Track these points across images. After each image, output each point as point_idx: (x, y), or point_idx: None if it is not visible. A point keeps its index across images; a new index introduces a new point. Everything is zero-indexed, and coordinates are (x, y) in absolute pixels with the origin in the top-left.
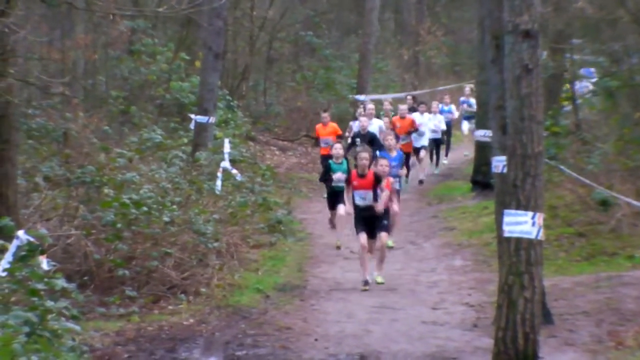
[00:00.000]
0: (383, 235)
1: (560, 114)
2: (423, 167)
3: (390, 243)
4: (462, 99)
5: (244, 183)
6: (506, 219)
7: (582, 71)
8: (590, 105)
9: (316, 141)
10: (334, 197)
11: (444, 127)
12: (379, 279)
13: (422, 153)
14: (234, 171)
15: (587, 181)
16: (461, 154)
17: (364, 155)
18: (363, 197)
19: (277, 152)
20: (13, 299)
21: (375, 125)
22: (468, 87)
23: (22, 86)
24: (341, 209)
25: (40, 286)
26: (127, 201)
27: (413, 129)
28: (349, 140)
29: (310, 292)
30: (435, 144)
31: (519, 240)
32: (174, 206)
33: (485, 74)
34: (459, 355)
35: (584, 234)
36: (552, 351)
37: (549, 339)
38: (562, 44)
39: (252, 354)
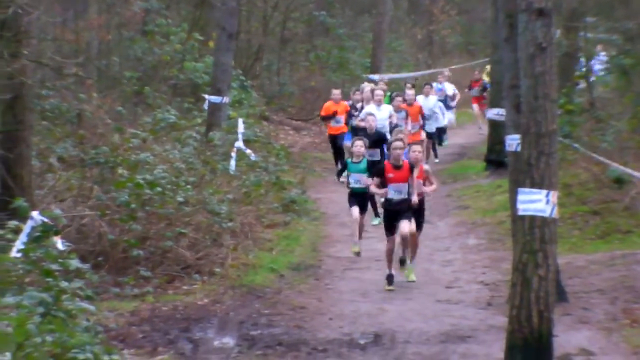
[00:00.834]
0: (411, 222)
1: (574, 92)
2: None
3: (412, 277)
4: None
5: (258, 163)
6: (520, 197)
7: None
8: (605, 84)
9: (323, 119)
10: (354, 198)
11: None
12: (412, 277)
13: (423, 135)
14: (248, 151)
15: (602, 159)
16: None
17: (398, 144)
18: (399, 191)
19: (290, 132)
20: (27, 279)
21: (385, 111)
22: (446, 71)
23: (35, 67)
24: (355, 211)
25: (54, 267)
26: (141, 181)
27: (422, 115)
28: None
29: (325, 271)
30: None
31: (533, 218)
32: (188, 186)
33: (498, 53)
34: (473, 334)
35: (598, 212)
36: (567, 329)
37: (564, 317)
38: (575, 22)
39: (267, 333)
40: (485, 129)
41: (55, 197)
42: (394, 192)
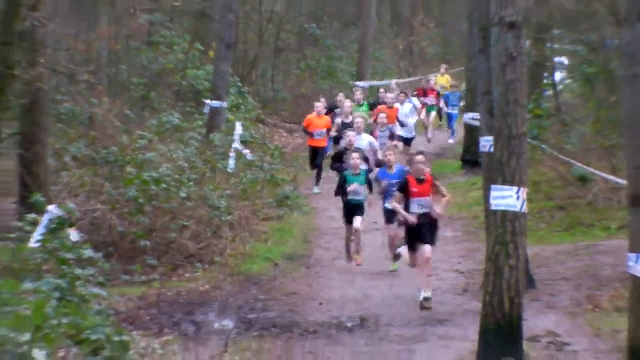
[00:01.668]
0: (427, 248)
1: (542, 98)
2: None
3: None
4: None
5: (254, 162)
6: (493, 193)
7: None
8: (570, 90)
9: (305, 131)
10: (350, 211)
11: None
12: (426, 293)
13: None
14: (245, 151)
15: (567, 159)
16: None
17: (420, 158)
18: (422, 204)
19: (284, 134)
20: (45, 267)
21: (365, 140)
22: (393, 82)
23: (51, 74)
24: (357, 221)
25: (69, 256)
26: (148, 178)
27: (397, 119)
28: (333, 150)
29: (315, 260)
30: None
31: (504, 212)
32: (190, 183)
33: (473, 62)
34: (450, 317)
35: (563, 207)
36: (535, 313)
37: (532, 302)
38: (543, 34)
39: (262, 316)
40: (431, 136)
41: (70, 192)
42: (417, 206)
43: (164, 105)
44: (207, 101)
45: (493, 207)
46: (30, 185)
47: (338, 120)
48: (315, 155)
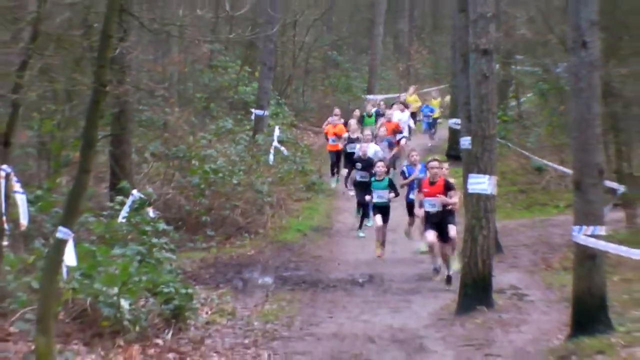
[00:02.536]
0: (451, 227)
1: (508, 108)
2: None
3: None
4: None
5: (289, 156)
6: (470, 180)
7: None
8: (529, 102)
9: (325, 137)
10: (377, 210)
11: (412, 124)
12: (455, 266)
13: (403, 141)
14: (282, 148)
15: (527, 154)
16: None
17: (435, 164)
18: (433, 204)
19: (312, 135)
20: (129, 237)
21: (372, 150)
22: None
23: (134, 90)
24: (379, 219)
25: (147, 228)
26: (208, 169)
27: (398, 130)
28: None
29: (335, 232)
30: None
31: (479, 195)
32: (240, 172)
33: (456, 80)
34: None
35: (524, 191)
36: (502, 272)
37: (500, 263)
38: (509, 59)
39: (294, 274)
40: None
41: (148, 180)
42: (429, 205)
43: (220, 114)
44: (253, 110)
45: (470, 191)
46: (119, 174)
47: (346, 135)
48: (333, 158)
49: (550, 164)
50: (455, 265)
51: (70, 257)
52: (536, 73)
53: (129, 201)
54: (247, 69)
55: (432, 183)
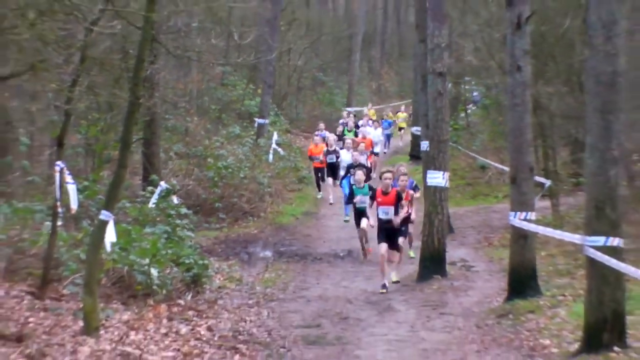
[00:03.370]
0: (400, 239)
1: (458, 118)
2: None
3: (411, 254)
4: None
5: (285, 156)
6: (428, 175)
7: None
8: (475, 114)
9: (310, 158)
10: (359, 215)
11: (382, 138)
12: (394, 278)
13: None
14: (279, 149)
15: (473, 155)
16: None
17: (388, 175)
18: (386, 212)
19: (303, 139)
20: (158, 219)
21: (349, 157)
22: (346, 112)
23: (162, 103)
24: (364, 222)
25: (172, 212)
26: (220, 165)
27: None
28: (343, 165)
29: (321, 216)
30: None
31: (435, 187)
32: (246, 168)
33: (417, 97)
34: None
35: (470, 184)
36: (453, 248)
37: (451, 241)
38: (459, 80)
39: (289, 249)
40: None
41: (173, 174)
42: (382, 212)
43: (230, 122)
44: (256, 119)
45: (428, 184)
46: (149, 169)
47: (325, 149)
48: (317, 175)
49: (491, 163)
50: (394, 277)
51: (110, 235)
52: (481, 91)
53: (157, 191)
54: (252, 86)
55: (385, 193)
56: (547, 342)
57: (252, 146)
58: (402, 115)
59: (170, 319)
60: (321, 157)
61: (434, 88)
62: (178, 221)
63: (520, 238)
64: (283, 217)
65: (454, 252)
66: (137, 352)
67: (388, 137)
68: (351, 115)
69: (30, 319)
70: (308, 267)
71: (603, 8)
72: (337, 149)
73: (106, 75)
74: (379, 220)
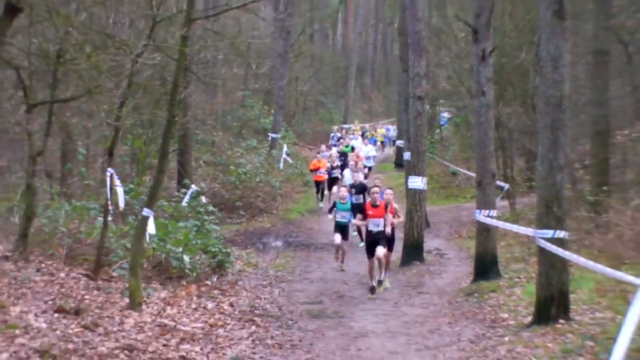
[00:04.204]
0: (379, 248)
1: (434, 134)
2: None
3: (387, 283)
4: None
5: (293, 164)
6: (409, 180)
7: (441, 115)
8: (448, 130)
9: (311, 172)
10: (340, 230)
11: (374, 153)
12: (387, 284)
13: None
14: (288, 159)
15: (446, 163)
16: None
17: (375, 189)
18: (377, 224)
19: (307, 150)
20: (189, 215)
21: (348, 175)
22: (336, 128)
23: (193, 121)
24: (337, 238)
25: (201, 209)
26: (240, 172)
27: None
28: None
29: (322, 213)
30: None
31: (415, 190)
32: (261, 174)
33: (400, 116)
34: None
35: (444, 187)
36: (429, 239)
37: (428, 234)
38: (435, 102)
39: (296, 240)
40: None
41: (202, 178)
42: (373, 225)
43: (248, 136)
44: (270, 134)
45: (409, 187)
46: (183, 174)
47: (328, 164)
48: (318, 187)
49: (461, 170)
50: (386, 284)
51: (151, 228)
52: (453, 112)
53: (189, 192)
54: (266, 107)
55: (374, 206)
56: (506, 315)
57: (266, 156)
58: (381, 131)
59: (199, 297)
60: (323, 171)
61: (414, 109)
62: (206, 217)
63: (484, 231)
64: (291, 214)
65: (430, 243)
66: (172, 323)
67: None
68: (343, 130)
69: (86, 296)
70: (311, 255)
71: (551, 44)
72: (339, 163)
73: (148, 98)
74: (369, 232)
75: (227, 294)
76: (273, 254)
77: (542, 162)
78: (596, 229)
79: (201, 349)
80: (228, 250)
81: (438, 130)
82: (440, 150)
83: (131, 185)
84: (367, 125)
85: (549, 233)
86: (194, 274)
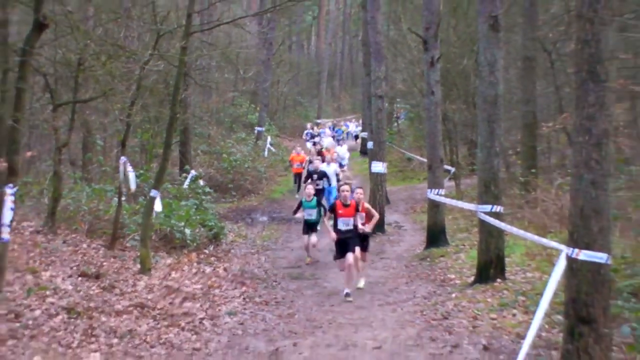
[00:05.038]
0: (357, 250)
1: (393, 126)
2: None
3: (361, 283)
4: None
5: (275, 152)
6: (373, 165)
7: (401, 112)
8: (404, 123)
9: (290, 164)
10: (307, 227)
11: (347, 155)
12: (361, 284)
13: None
14: (272, 148)
15: (403, 151)
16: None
17: (346, 188)
18: (346, 223)
19: (287, 141)
20: (189, 195)
21: (332, 169)
22: (309, 125)
23: (192, 117)
24: (314, 238)
25: (199, 191)
26: (232, 159)
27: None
28: (306, 171)
29: (300, 193)
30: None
31: (377, 173)
32: (249, 161)
33: (365, 112)
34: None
35: (401, 171)
36: (389, 214)
37: (388, 209)
38: (393, 101)
39: (278, 215)
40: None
41: (200, 165)
42: (342, 224)
43: (238, 129)
44: (256, 128)
45: (373, 171)
46: (184, 162)
47: (307, 159)
48: (295, 177)
49: (415, 156)
50: (361, 283)
51: (158, 206)
52: (407, 108)
53: (189, 176)
54: (253, 105)
55: (345, 205)
56: (453, 276)
57: (253, 146)
58: (342, 128)
59: (198, 263)
60: (304, 164)
61: (375, 106)
62: (203, 197)
63: (434, 207)
64: (274, 194)
65: (389, 217)
66: (176, 285)
67: (339, 141)
68: (314, 127)
69: (104, 263)
70: (292, 228)
71: (488, 52)
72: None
73: (154, 98)
74: (339, 231)
75: (222, 260)
76: (260, 227)
77: (481, 150)
78: (526, 204)
79: (200, 306)
80: (222, 224)
81: (396, 124)
82: (398, 140)
83: (141, 171)
84: (332, 121)
85: (488, 208)
86: (194, 244)
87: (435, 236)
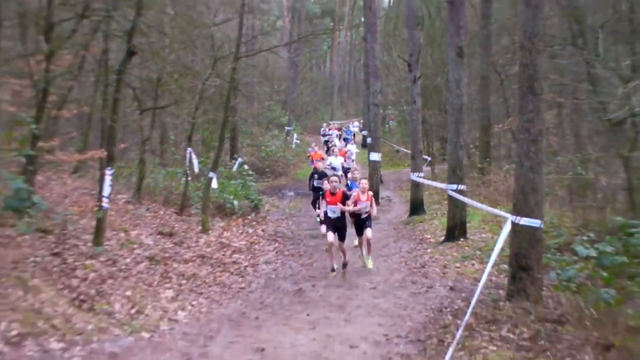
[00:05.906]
0: (368, 230)
1: (385, 127)
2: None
3: (369, 264)
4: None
5: (300, 145)
6: (370, 155)
7: (391, 117)
8: (393, 125)
9: (310, 160)
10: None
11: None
12: (369, 265)
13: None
14: (298, 142)
15: (393, 145)
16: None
17: (334, 178)
18: (334, 211)
19: (309, 137)
20: (237, 177)
21: (339, 159)
22: (325, 125)
23: (240, 119)
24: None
25: (244, 173)
26: (268, 150)
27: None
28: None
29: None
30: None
31: (374, 161)
32: (281, 151)
33: (365, 116)
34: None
35: (391, 159)
36: (383, 191)
37: (382, 187)
38: (386, 108)
39: (302, 191)
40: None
41: (245, 154)
42: (330, 211)
43: (273, 129)
44: (286, 127)
45: (370, 159)
46: (233, 152)
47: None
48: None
49: (401, 149)
50: (370, 264)
51: (214, 184)
52: (396, 114)
53: (237, 162)
54: (283, 110)
55: (333, 194)
56: (429, 236)
57: (283, 141)
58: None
59: (243, 226)
60: (318, 161)
61: (373, 112)
62: (247, 177)
63: (415, 186)
64: (299, 175)
65: (383, 193)
66: (227, 241)
67: (347, 140)
68: (331, 125)
69: (175, 225)
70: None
71: (455, 73)
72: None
73: (212, 105)
74: (328, 217)
75: (260, 224)
76: (288, 200)
77: (450, 144)
78: (482, 184)
79: (245, 256)
80: (260, 197)
81: (387, 125)
82: (389, 137)
83: (202, 158)
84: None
85: (455, 187)
86: (240, 212)
87: (416, 207)
